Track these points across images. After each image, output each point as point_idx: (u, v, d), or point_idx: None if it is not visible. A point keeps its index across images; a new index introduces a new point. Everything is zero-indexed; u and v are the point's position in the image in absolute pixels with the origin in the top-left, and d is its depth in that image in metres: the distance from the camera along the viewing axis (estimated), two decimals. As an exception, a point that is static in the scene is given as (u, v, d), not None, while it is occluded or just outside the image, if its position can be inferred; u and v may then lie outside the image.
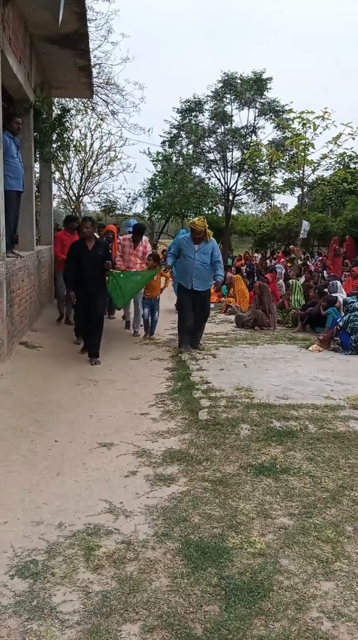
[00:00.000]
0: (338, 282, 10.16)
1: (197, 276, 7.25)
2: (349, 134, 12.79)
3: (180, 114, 24.84)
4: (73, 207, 21.74)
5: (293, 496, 3.44)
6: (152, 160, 26.93)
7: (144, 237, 9.07)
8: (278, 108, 22.93)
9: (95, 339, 6.91)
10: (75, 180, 21.76)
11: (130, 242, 8.57)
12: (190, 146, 24.81)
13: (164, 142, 25.57)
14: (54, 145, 9.51)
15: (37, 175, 10.52)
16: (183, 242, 7.35)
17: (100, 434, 4.45)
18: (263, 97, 23.41)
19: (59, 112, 9.72)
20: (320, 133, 12.74)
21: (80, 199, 22.28)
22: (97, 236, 8.20)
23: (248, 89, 22.85)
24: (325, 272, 14.84)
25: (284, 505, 3.33)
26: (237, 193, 25.22)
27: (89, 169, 21.30)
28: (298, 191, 16.88)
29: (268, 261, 21.01)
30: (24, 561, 2.73)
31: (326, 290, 9.98)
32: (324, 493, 3.48)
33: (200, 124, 24.46)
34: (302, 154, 13.06)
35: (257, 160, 18.85)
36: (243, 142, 23.43)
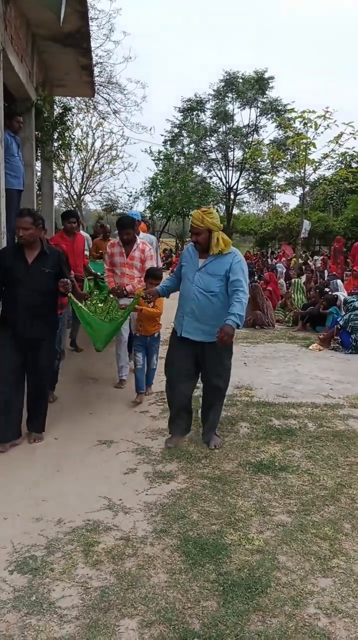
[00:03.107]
0: (339, 281, 10.17)
1: (192, 313, 4.04)
2: (350, 133, 12.82)
3: (181, 113, 24.89)
4: (74, 205, 21.74)
5: (292, 494, 3.45)
6: (154, 159, 26.96)
7: (142, 235, 6.37)
8: (280, 107, 22.96)
9: (36, 412, 4.32)
10: (76, 179, 21.77)
11: (120, 246, 5.54)
12: (192, 145, 24.86)
13: (165, 141, 25.67)
14: (55, 144, 9.50)
15: (39, 173, 10.53)
16: (185, 256, 4.23)
17: (100, 432, 4.46)
18: (265, 96, 23.44)
19: (61, 111, 9.72)
20: (322, 132, 12.77)
21: (82, 197, 22.31)
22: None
23: (250, 88, 22.88)
24: (325, 271, 14.84)
25: (282, 502, 3.35)
26: (238, 192, 25.30)
27: (91, 167, 21.30)
28: (299, 190, 16.87)
29: (269, 260, 21.02)
30: (23, 557, 2.75)
31: (327, 289, 9.98)
32: (322, 491, 3.50)
33: (202, 123, 24.50)
34: (304, 153, 13.07)
35: (259, 159, 18.85)
36: (245, 141, 23.50)
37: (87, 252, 7.64)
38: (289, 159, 18.79)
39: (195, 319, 4.03)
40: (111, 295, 5.54)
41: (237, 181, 24.65)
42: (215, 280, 3.99)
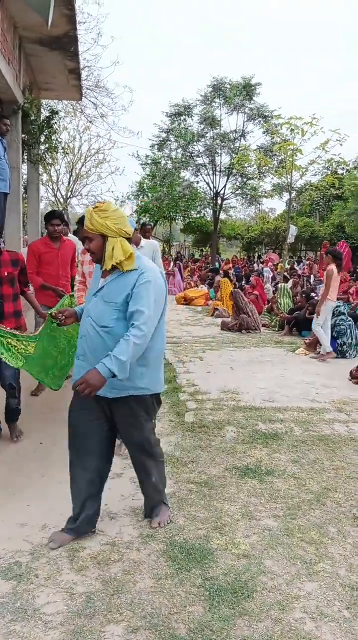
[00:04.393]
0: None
1: (84, 356, 2.92)
2: (337, 140, 12.93)
3: (169, 118, 24.94)
4: (61, 209, 21.70)
5: (278, 498, 3.46)
6: (141, 164, 26.97)
7: (144, 242, 5.37)
8: (267, 114, 23.11)
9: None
10: (63, 183, 21.78)
11: None
12: (179, 150, 24.90)
13: (153, 146, 25.65)
14: (42, 147, 9.47)
15: (25, 176, 10.49)
16: (95, 271, 3.09)
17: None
18: (252, 102, 23.57)
19: (48, 114, 9.70)
20: (309, 139, 12.87)
21: (69, 201, 22.27)
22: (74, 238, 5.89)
23: (238, 94, 23.01)
24: (312, 277, 14.95)
25: (269, 507, 3.35)
26: (225, 197, 25.33)
27: (78, 171, 21.31)
28: (286, 196, 16.99)
29: (255, 265, 21.12)
30: (8, 563, 2.72)
31: (313, 294, 10.05)
32: (309, 495, 3.51)
33: (190, 128, 24.56)
34: (291, 159, 13.16)
35: (246, 165, 18.96)
36: (232, 146, 23.57)
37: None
38: (276, 165, 18.92)
39: (89, 364, 2.80)
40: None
41: (225, 186, 24.74)
42: (109, 310, 2.79)
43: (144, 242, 5.24)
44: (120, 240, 2.79)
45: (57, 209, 9.19)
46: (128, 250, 2.79)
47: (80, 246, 8.51)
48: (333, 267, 7.75)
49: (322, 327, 7.66)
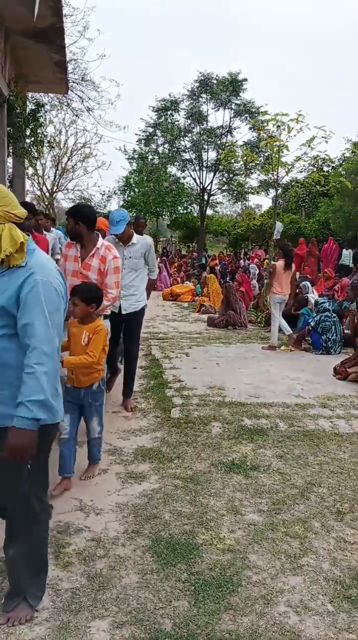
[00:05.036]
0: (309, 283, 10.30)
1: None
2: (322, 137, 12.98)
3: (156, 113, 24.85)
4: (46, 203, 21.53)
5: (263, 493, 3.49)
6: (128, 158, 26.85)
7: (137, 238, 4.99)
8: (253, 110, 23.13)
9: None
10: (49, 176, 21.58)
11: (77, 249, 4.06)
12: (166, 145, 24.84)
13: (139, 140, 25.55)
14: (28, 141, 9.37)
15: (10, 170, 10.37)
16: None
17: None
18: (238, 97, 23.58)
19: (33, 107, 9.60)
20: (294, 135, 12.89)
21: (54, 195, 22.09)
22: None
23: (224, 89, 23.00)
24: (297, 274, 14.98)
25: (254, 502, 3.38)
26: (212, 193, 25.36)
27: (63, 165, 21.12)
28: (272, 192, 17.05)
29: (241, 261, 21.17)
30: (-7, 559, 2.70)
31: (298, 290, 10.10)
32: (293, 490, 3.54)
33: (176, 123, 24.51)
34: (277, 155, 13.18)
35: (232, 161, 18.96)
36: (219, 142, 23.57)
37: (58, 256, 6.25)
38: (262, 161, 18.95)
39: None
40: None
41: (211, 182, 24.77)
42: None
43: (136, 237, 5.01)
44: (8, 226, 2.18)
45: (26, 201, 8.62)
46: (18, 238, 2.17)
47: (61, 240, 8.42)
48: (281, 262, 8.09)
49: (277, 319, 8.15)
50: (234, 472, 3.76)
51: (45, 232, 6.37)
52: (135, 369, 5.29)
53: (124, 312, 4.95)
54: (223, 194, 26.17)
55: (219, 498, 3.40)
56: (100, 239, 4.11)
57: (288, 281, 8.24)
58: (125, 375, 5.20)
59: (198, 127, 24.19)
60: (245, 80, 23.43)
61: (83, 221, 3.94)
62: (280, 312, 8.26)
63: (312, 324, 8.14)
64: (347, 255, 16.85)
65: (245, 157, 15.56)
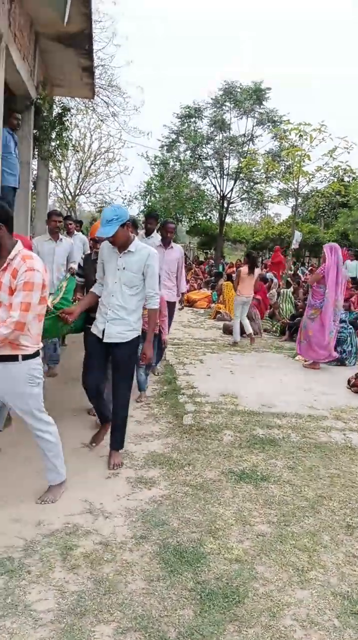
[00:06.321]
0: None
1: None
2: (344, 147, 12.94)
3: (179, 120, 24.97)
4: (69, 205, 21.72)
5: (273, 504, 3.46)
6: (150, 164, 26.98)
7: (103, 244, 3.91)
8: (276, 118, 23.12)
9: None
10: (72, 180, 21.79)
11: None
12: (188, 152, 24.92)
13: (162, 147, 25.65)
14: (53, 144, 9.48)
15: (35, 172, 10.48)
16: None
17: (83, 435, 4.44)
18: (261, 106, 23.59)
19: (60, 111, 9.70)
20: (316, 145, 12.88)
21: (76, 198, 22.28)
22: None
23: (248, 98, 23.03)
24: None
25: (263, 512, 3.35)
26: (231, 200, 25.34)
27: (87, 168, 21.32)
28: (292, 201, 17.00)
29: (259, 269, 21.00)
30: (0, 558, 2.72)
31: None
32: (303, 502, 3.51)
33: (199, 130, 24.58)
34: (298, 165, 13.16)
35: (253, 169, 18.95)
36: (241, 150, 23.57)
37: (74, 265, 6.11)
38: (283, 170, 18.92)
39: None
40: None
41: (231, 190, 24.74)
42: None
43: (136, 245, 3.75)
44: None
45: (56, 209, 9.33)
46: None
47: (86, 246, 8.48)
48: (245, 267, 9.18)
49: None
50: (244, 481, 3.74)
51: (62, 237, 6.42)
52: (125, 417, 4.01)
53: (106, 340, 3.79)
54: (243, 202, 26.15)
55: (228, 507, 3.39)
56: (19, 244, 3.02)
57: (252, 284, 9.13)
58: (112, 423, 4.04)
59: (220, 134, 24.23)
60: (269, 89, 23.44)
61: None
62: (243, 313, 9.07)
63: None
64: (352, 266, 16.68)
65: (266, 166, 15.55)
